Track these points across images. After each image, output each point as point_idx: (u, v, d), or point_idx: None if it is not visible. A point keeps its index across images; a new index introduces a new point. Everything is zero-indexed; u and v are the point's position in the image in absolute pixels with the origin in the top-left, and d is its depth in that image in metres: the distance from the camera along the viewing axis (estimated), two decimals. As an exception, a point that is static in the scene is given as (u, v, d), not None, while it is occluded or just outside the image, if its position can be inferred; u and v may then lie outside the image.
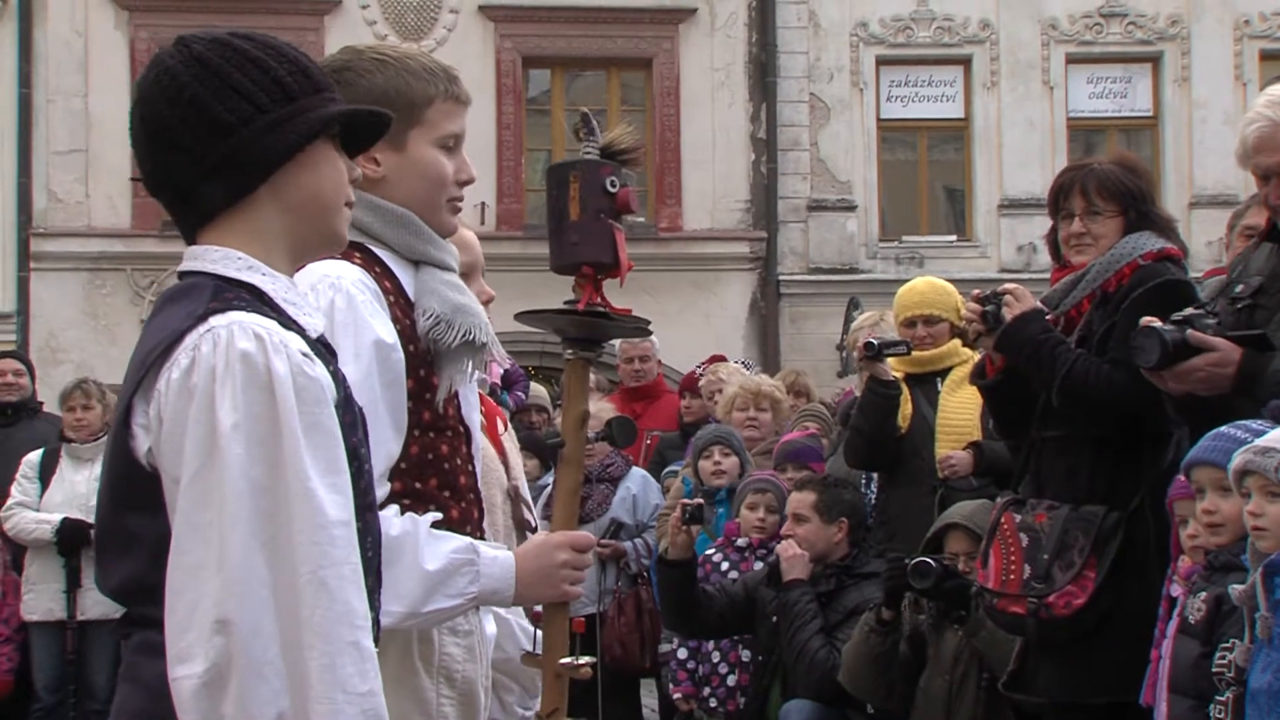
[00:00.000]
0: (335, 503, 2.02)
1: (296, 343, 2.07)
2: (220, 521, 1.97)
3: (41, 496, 8.39)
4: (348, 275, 2.77)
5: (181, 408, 2.01)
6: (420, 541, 2.71)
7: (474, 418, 3.01)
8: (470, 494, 2.94)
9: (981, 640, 5.22)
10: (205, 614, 1.95)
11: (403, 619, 2.69)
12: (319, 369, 2.08)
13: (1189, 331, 4.09)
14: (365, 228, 2.87)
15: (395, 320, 2.80)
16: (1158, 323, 4.14)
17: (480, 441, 3.05)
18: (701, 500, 6.46)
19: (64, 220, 17.48)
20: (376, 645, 2.13)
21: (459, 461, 2.91)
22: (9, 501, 8.46)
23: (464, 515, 2.89)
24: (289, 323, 2.11)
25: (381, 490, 2.70)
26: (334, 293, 2.73)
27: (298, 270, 2.30)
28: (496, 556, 2.79)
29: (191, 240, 2.21)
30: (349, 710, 1.99)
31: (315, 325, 2.19)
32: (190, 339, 2.04)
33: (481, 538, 2.93)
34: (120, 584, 2.12)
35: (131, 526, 2.08)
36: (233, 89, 2.14)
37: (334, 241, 2.29)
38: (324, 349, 2.19)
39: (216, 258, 2.16)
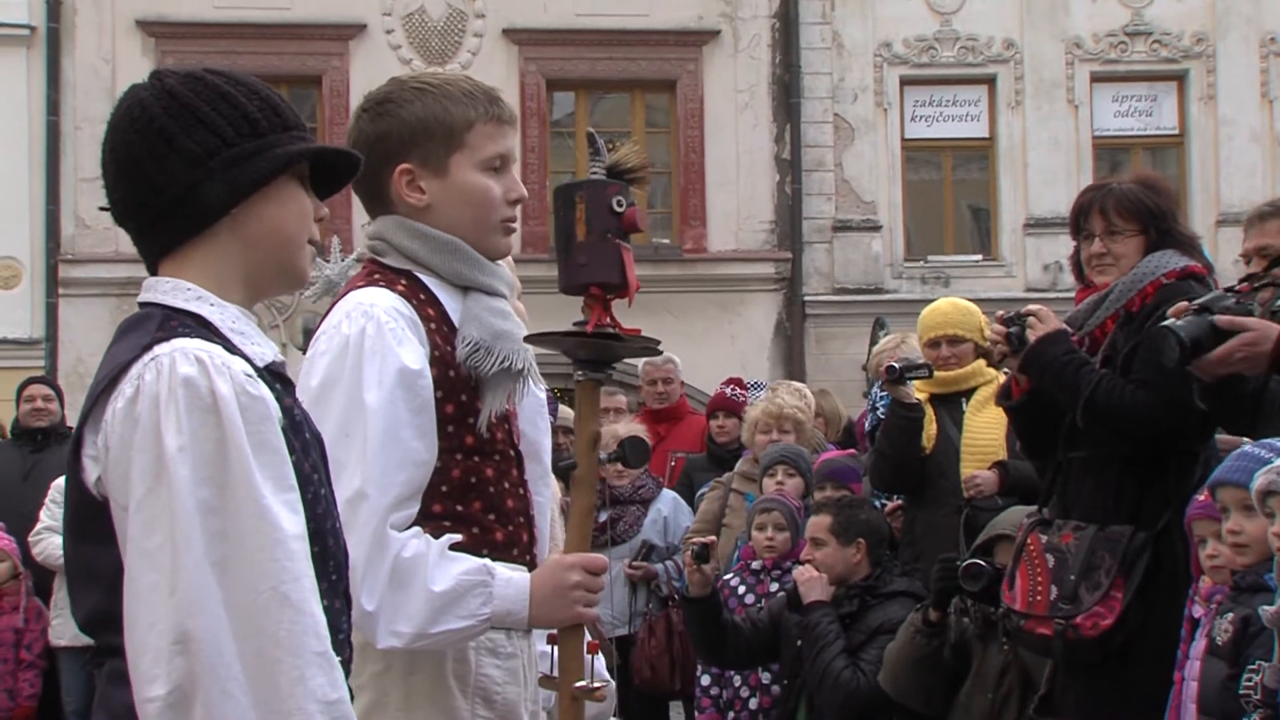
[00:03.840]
0: (289, 518, 2.04)
1: (239, 364, 2.09)
2: (171, 544, 1.98)
3: (70, 522, 8.41)
4: (381, 303, 2.81)
5: (126, 435, 2.03)
6: (430, 563, 2.73)
7: (541, 442, 3.04)
8: (520, 517, 2.95)
9: (1028, 653, 5.17)
10: (161, 636, 1.97)
11: (412, 639, 2.71)
12: (262, 389, 2.10)
13: (1218, 317, 4.07)
14: (412, 255, 2.91)
15: (436, 347, 2.83)
16: (1172, 320, 4.13)
17: (545, 464, 3.06)
18: (713, 538, 6.43)
19: (91, 246, 17.58)
20: (348, 665, 2.16)
21: (507, 485, 2.92)
22: (38, 526, 8.51)
23: (510, 538, 2.91)
24: (233, 349, 2.13)
25: (407, 511, 2.75)
26: (365, 320, 2.78)
27: (256, 302, 2.31)
28: (511, 578, 2.80)
29: (153, 270, 2.24)
30: (325, 718, 2.01)
31: (264, 354, 2.19)
32: (135, 368, 2.07)
33: (531, 562, 2.93)
34: (87, 615, 2.14)
35: (89, 558, 2.11)
36: (200, 121, 2.16)
37: (294, 277, 2.29)
38: (276, 378, 2.20)
39: (167, 289, 2.19)
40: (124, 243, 17.72)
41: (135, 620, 1.99)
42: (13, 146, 17.78)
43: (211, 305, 2.18)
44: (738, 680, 6.57)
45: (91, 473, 2.08)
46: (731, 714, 6.57)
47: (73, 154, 17.58)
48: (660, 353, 3.17)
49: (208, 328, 2.14)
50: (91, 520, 2.09)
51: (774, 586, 6.58)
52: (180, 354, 2.06)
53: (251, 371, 2.10)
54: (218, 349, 2.09)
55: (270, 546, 2.01)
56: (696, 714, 6.82)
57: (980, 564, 5.21)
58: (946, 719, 5.55)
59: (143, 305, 2.21)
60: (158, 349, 2.07)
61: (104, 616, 2.09)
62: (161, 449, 2.01)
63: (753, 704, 6.53)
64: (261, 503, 2.02)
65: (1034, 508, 5.39)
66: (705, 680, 6.69)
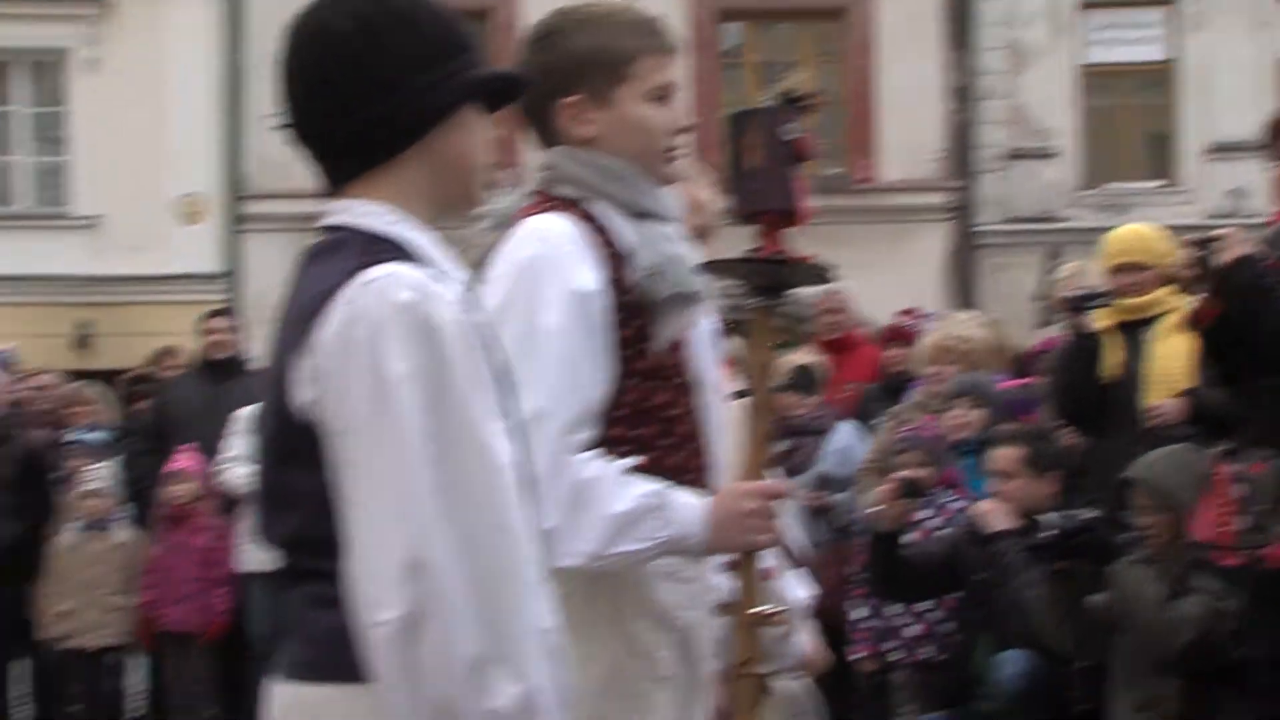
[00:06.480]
0: (503, 447, 2.04)
1: (452, 292, 2.08)
2: (399, 470, 1.97)
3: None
4: (554, 228, 2.85)
5: (343, 360, 2.00)
6: (610, 485, 2.75)
7: (712, 371, 3.03)
8: (693, 443, 2.94)
9: (1114, 597, 5.11)
10: (394, 561, 1.95)
11: (588, 560, 2.73)
12: (473, 317, 2.09)
13: None
14: (583, 183, 2.93)
15: (609, 271, 2.84)
16: None
17: (717, 392, 3.06)
18: (922, 473, 6.34)
19: (273, 183, 17.90)
20: None
21: (680, 411, 2.92)
22: (222, 455, 8.69)
23: (684, 464, 2.91)
24: (439, 275, 2.11)
25: (585, 434, 2.77)
26: (539, 245, 2.82)
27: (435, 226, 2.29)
28: (687, 503, 2.80)
29: (337, 193, 2.21)
30: (542, 647, 2.01)
31: (460, 280, 2.18)
32: (347, 292, 2.03)
33: (706, 488, 2.92)
34: (284, 538, 2.13)
35: (292, 481, 2.08)
36: (396, 44, 2.14)
37: (471, 203, 2.30)
38: (471, 303, 2.17)
39: (365, 212, 2.16)
40: (304, 180, 17.94)
41: (363, 545, 1.98)
42: (196, 85, 18.20)
43: (411, 230, 2.16)
44: (896, 609, 6.52)
45: (300, 397, 2.04)
46: (892, 642, 6.52)
47: (255, 91, 17.86)
48: (831, 279, 3.17)
49: (411, 253, 2.12)
50: (299, 445, 2.05)
51: (928, 512, 6.52)
52: (396, 279, 2.03)
53: (462, 298, 2.09)
54: (429, 275, 2.07)
55: (490, 475, 2.00)
56: (852, 648, 6.79)
57: (1053, 518, 5.17)
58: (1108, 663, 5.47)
59: (334, 229, 2.18)
60: (369, 273, 2.04)
61: (305, 540, 2.08)
62: (385, 374, 1.98)
63: (915, 630, 6.48)
64: (481, 431, 2.01)
65: (1166, 451, 5.29)
66: (860, 613, 6.66)
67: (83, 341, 18.01)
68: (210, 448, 8.78)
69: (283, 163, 17.57)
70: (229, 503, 8.73)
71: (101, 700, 8.96)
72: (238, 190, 18.12)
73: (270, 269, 17.73)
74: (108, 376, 11.80)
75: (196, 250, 18.30)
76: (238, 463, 8.58)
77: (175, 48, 18.15)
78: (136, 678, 9.28)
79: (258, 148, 17.91)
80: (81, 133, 18.49)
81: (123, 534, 8.94)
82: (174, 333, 12.33)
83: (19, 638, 8.79)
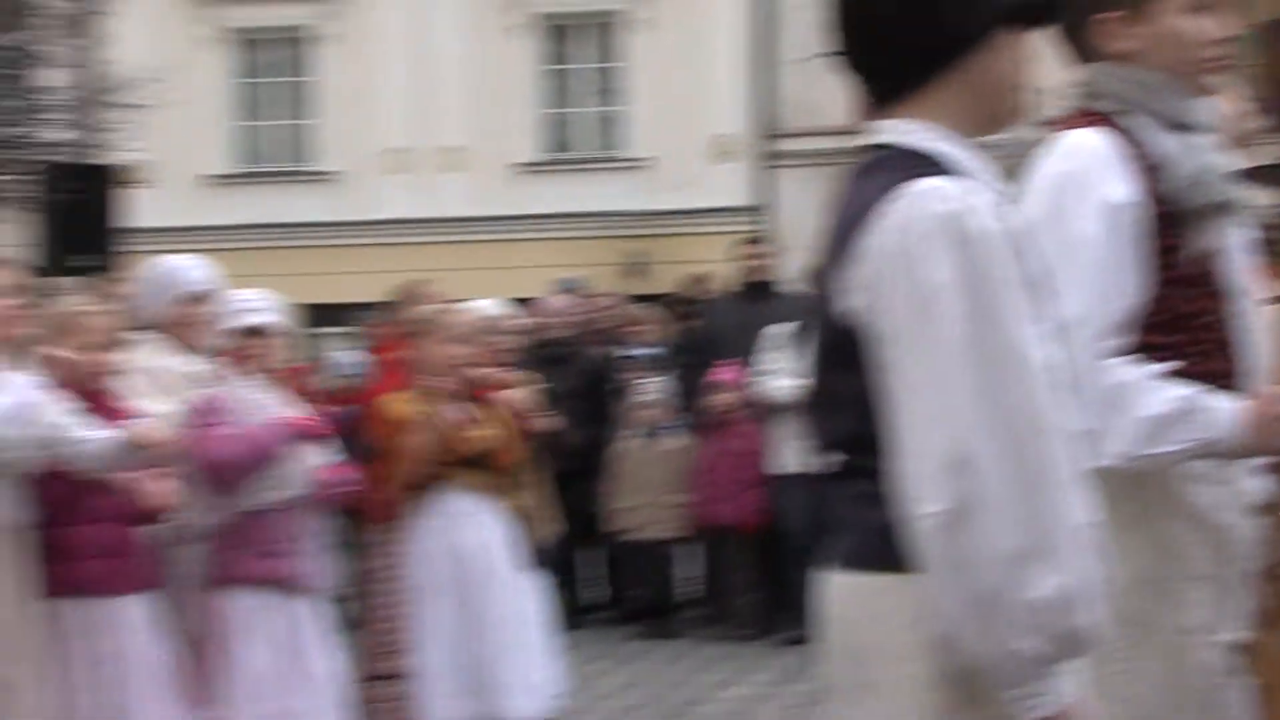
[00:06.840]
0: (1036, 353, 2.01)
1: (990, 203, 2.05)
2: (942, 373, 1.97)
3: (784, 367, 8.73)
4: (1088, 142, 2.79)
5: (888, 269, 2.01)
6: (1143, 389, 2.69)
7: (1243, 277, 2.90)
8: (1225, 350, 2.84)
9: None
10: (938, 459, 1.95)
11: (1123, 460, 2.67)
12: (1011, 226, 2.06)
13: None
14: (1122, 97, 2.86)
15: (1143, 183, 2.77)
16: None
17: (1251, 300, 2.94)
18: None
19: (801, 122, 18.12)
20: None
21: (1213, 319, 2.83)
22: (756, 368, 8.94)
23: (1215, 370, 2.80)
24: (978, 187, 2.08)
25: (1117, 342, 2.71)
26: (1074, 159, 2.78)
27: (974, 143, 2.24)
28: (1219, 407, 2.70)
29: (881, 114, 2.21)
30: (1080, 542, 1.97)
31: (998, 191, 2.13)
32: (891, 205, 2.04)
33: (1235, 392, 2.80)
34: (834, 439, 2.15)
35: (841, 385, 2.10)
36: None
37: (1007, 121, 2.24)
38: (1008, 214, 2.12)
39: (906, 131, 2.15)
40: (830, 118, 18.17)
41: (907, 445, 2.00)
42: (731, 37, 18.68)
43: (951, 146, 2.15)
44: None
45: (848, 305, 2.07)
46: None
47: (785, 40, 18.10)
48: None
49: (951, 167, 2.11)
50: (845, 350, 2.08)
51: None
52: (937, 192, 2.03)
53: (998, 210, 2.07)
54: (968, 188, 2.06)
55: (1025, 378, 1.99)
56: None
57: None
58: None
59: (879, 147, 2.19)
60: (912, 186, 2.04)
61: (854, 441, 2.10)
62: (927, 283, 1.99)
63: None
64: (1016, 336, 1.99)
65: None
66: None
67: (633, 270, 18.82)
68: (746, 361, 9.03)
69: (810, 103, 17.77)
70: (763, 411, 8.97)
71: (658, 586, 9.43)
72: (768, 130, 18.45)
73: (797, 201, 18.01)
74: (654, 301, 12.32)
75: (730, 186, 18.81)
76: (771, 375, 8.80)
77: (715, 5, 18.67)
78: (689, 567, 9.70)
79: (788, 90, 18.16)
80: (635, 85, 19.31)
81: (675, 440, 9.33)
82: (710, 260, 12.73)
83: (586, 530, 9.32)
